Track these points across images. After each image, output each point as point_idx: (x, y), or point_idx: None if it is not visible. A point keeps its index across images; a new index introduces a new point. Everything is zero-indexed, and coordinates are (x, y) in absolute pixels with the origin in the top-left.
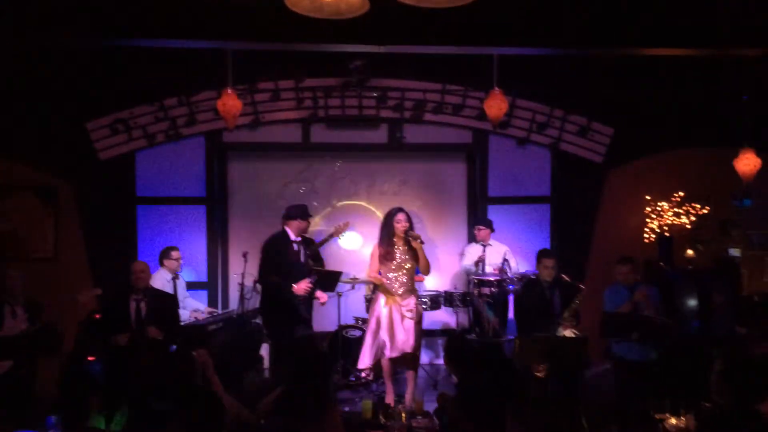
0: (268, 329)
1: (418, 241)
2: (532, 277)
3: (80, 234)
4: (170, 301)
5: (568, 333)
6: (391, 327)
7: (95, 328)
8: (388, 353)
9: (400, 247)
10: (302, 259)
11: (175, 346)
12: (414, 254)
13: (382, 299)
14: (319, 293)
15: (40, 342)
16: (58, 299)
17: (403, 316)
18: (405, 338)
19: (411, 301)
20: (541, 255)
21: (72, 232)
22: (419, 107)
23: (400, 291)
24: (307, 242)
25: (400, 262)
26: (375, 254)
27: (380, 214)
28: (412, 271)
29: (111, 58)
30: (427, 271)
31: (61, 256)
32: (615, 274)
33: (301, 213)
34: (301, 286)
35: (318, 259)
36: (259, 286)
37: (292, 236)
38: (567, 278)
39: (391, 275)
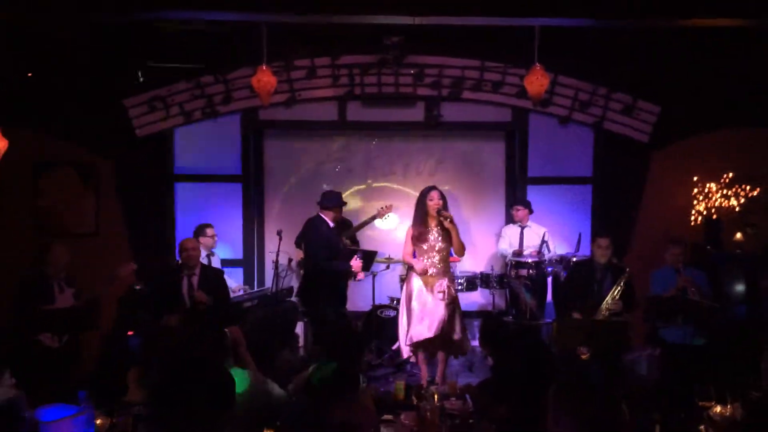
0: (309, 309)
1: (448, 220)
2: (578, 259)
3: (120, 210)
4: (219, 276)
5: (614, 307)
6: (423, 309)
7: (135, 302)
8: (420, 335)
9: (434, 228)
10: (339, 243)
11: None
12: (448, 235)
13: (414, 280)
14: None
15: (85, 317)
16: (99, 274)
17: (434, 298)
18: (436, 320)
19: (443, 283)
20: (596, 235)
21: (112, 209)
22: (457, 84)
23: (432, 272)
24: (344, 225)
25: (433, 244)
26: (409, 235)
27: (416, 194)
28: (445, 252)
29: (148, 34)
30: (461, 252)
31: (102, 232)
32: (665, 256)
33: (334, 202)
34: (356, 264)
35: (354, 242)
36: (293, 264)
37: (330, 223)
38: (615, 260)
39: (424, 256)
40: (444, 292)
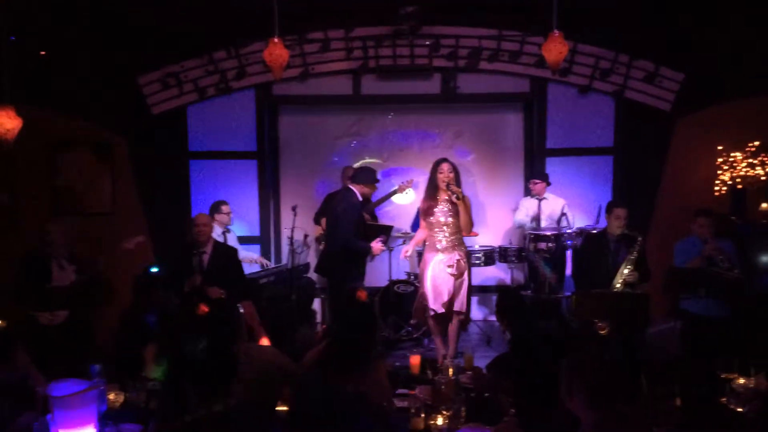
0: (331, 283)
1: (455, 197)
2: (593, 231)
3: (135, 188)
4: (232, 254)
5: (629, 278)
6: (434, 283)
7: (151, 284)
8: (432, 309)
9: (443, 202)
10: (369, 212)
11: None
12: (458, 209)
13: (428, 254)
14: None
15: (90, 293)
16: (116, 253)
17: (445, 272)
18: (446, 294)
19: (453, 257)
20: (612, 205)
21: (128, 187)
22: (474, 55)
23: (441, 246)
24: (366, 200)
25: (441, 218)
26: (421, 209)
27: None
28: (455, 226)
29: (160, 9)
30: (468, 229)
31: (118, 210)
32: (693, 227)
33: (370, 179)
34: (377, 246)
35: (373, 216)
36: (309, 240)
37: (359, 197)
38: (626, 231)
39: (434, 230)
40: (453, 266)
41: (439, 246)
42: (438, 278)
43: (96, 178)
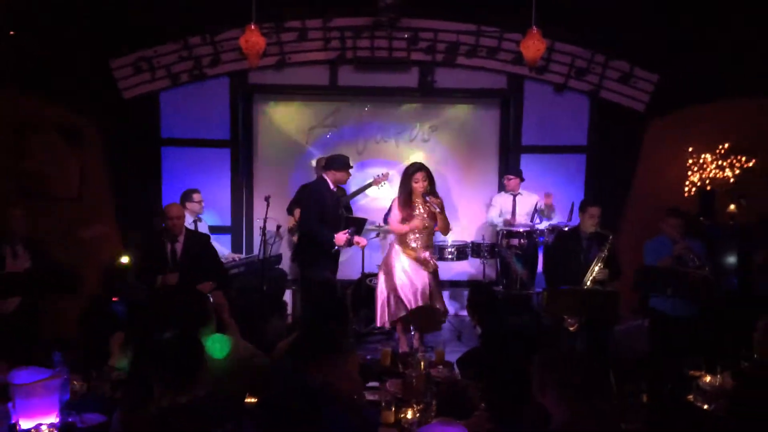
0: (303, 273)
1: (438, 210)
2: (565, 229)
3: (106, 175)
4: (205, 241)
5: (599, 276)
6: (407, 278)
7: (120, 274)
8: (401, 311)
9: (420, 207)
10: (339, 207)
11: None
12: (434, 216)
13: (393, 252)
14: (357, 238)
15: (47, 281)
16: (83, 240)
17: (417, 267)
18: (419, 289)
19: (426, 254)
20: (587, 204)
21: (97, 173)
22: (452, 50)
23: (415, 245)
24: (340, 192)
25: (419, 224)
26: (394, 206)
27: (408, 162)
28: (430, 230)
29: None
30: (446, 232)
31: (87, 196)
32: (663, 227)
33: (343, 164)
34: (341, 237)
35: (348, 209)
36: (282, 232)
37: (331, 186)
38: (598, 229)
39: (410, 234)
40: (425, 258)
41: (412, 245)
42: (411, 273)
43: (64, 162)
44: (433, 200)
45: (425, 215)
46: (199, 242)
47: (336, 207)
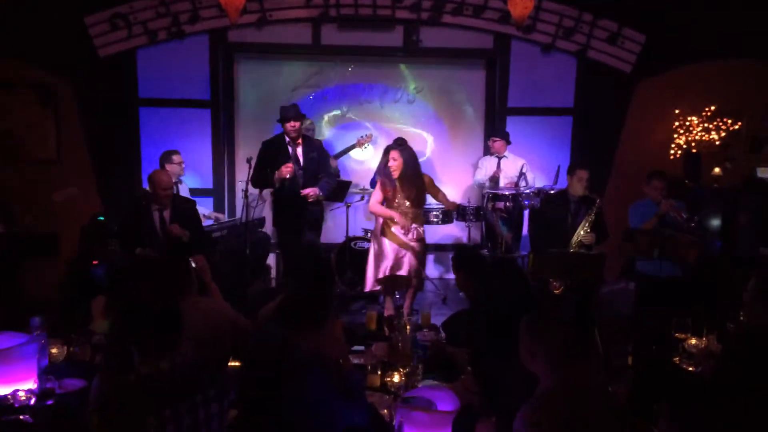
0: (277, 236)
1: (411, 234)
2: (551, 192)
3: (82, 136)
4: (192, 207)
5: (586, 239)
6: (394, 248)
7: (99, 232)
8: (388, 271)
9: (400, 193)
10: (300, 162)
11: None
12: (416, 200)
13: (383, 222)
14: (308, 190)
15: (21, 245)
16: (62, 203)
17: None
18: (406, 259)
19: (412, 228)
20: (575, 167)
21: (74, 134)
22: (437, 8)
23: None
24: (311, 144)
25: (402, 209)
26: (379, 188)
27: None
28: (416, 212)
29: None
30: (452, 207)
31: (64, 158)
32: (646, 189)
33: (289, 113)
34: (283, 170)
35: (333, 171)
36: (265, 194)
37: (287, 138)
38: (587, 192)
39: (394, 210)
40: (412, 232)
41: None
42: (398, 242)
43: (39, 123)
44: (403, 222)
45: (405, 200)
46: (186, 209)
47: (289, 161)
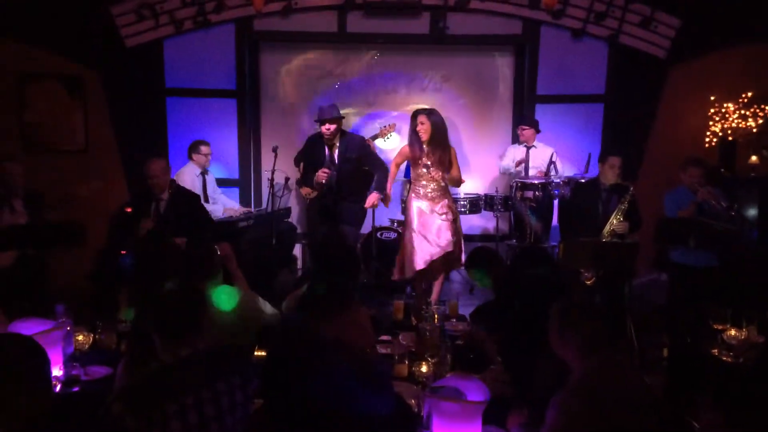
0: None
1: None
2: (582, 180)
3: (110, 126)
4: (193, 201)
5: (619, 228)
6: (426, 230)
7: (125, 223)
8: (425, 257)
9: (426, 157)
10: (336, 162)
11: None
12: (442, 163)
13: (413, 203)
14: (370, 199)
15: (47, 235)
16: (90, 192)
17: (436, 218)
18: (440, 240)
19: (444, 203)
20: (607, 154)
21: (102, 124)
22: None
23: (431, 195)
24: (352, 145)
25: (429, 173)
26: (402, 152)
27: None
28: (443, 178)
29: None
30: (457, 185)
31: (92, 148)
32: (682, 177)
33: (323, 113)
34: (319, 175)
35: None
36: (291, 184)
37: (325, 137)
38: (620, 180)
39: (421, 181)
40: (446, 213)
41: (427, 194)
42: (430, 224)
43: (68, 114)
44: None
45: (432, 166)
46: (185, 200)
47: (324, 161)
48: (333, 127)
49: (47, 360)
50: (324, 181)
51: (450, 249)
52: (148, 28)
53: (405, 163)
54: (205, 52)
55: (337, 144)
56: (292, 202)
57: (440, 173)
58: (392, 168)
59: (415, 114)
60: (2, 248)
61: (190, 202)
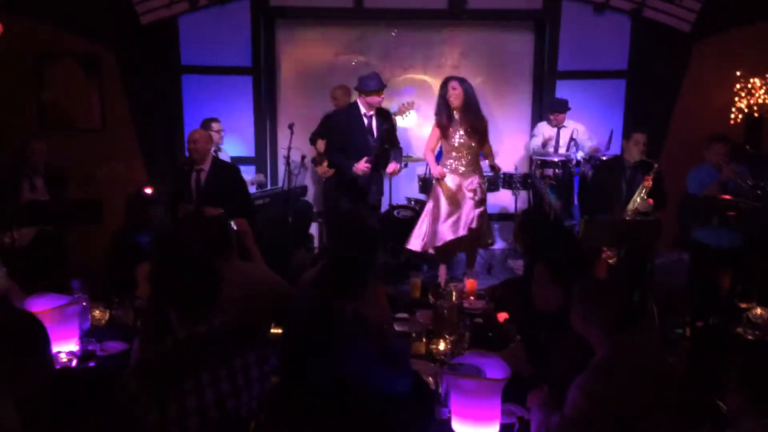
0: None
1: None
2: (603, 158)
3: (126, 104)
4: (233, 171)
5: (643, 206)
6: (453, 207)
7: (144, 203)
8: (445, 236)
9: (460, 126)
10: (374, 134)
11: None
12: (476, 132)
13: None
14: (391, 166)
15: (67, 212)
16: (106, 170)
17: (465, 195)
18: (466, 219)
19: (474, 180)
20: (631, 130)
21: (118, 103)
22: None
23: (462, 170)
24: (384, 115)
25: (461, 141)
26: (435, 130)
27: (437, 90)
28: (475, 150)
29: None
30: (491, 154)
31: (108, 127)
32: (707, 154)
33: (367, 86)
34: (359, 167)
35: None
36: (307, 162)
37: (363, 110)
38: (645, 157)
39: (452, 153)
40: (475, 190)
41: (458, 169)
42: (457, 202)
43: (84, 92)
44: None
45: (466, 135)
46: (225, 171)
47: (365, 134)
48: (383, 96)
49: (45, 336)
50: (363, 174)
51: (474, 226)
52: (163, 5)
53: (438, 147)
54: (221, 29)
55: (374, 114)
56: (308, 181)
57: (472, 143)
58: (428, 155)
59: (446, 81)
60: (22, 224)
61: (230, 173)
